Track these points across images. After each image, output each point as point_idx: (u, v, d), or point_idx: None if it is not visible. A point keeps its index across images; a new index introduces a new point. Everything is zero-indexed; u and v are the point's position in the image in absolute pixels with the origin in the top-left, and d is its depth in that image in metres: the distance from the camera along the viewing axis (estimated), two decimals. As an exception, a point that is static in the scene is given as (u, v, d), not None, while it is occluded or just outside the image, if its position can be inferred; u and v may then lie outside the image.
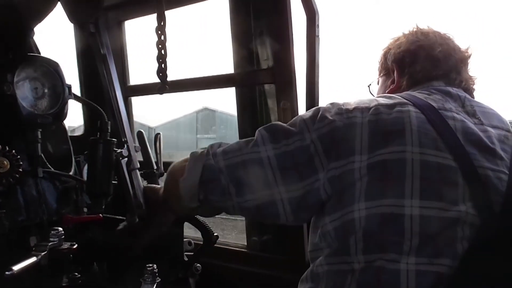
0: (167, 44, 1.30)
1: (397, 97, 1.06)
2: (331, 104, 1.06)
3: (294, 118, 1.08)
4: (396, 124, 0.97)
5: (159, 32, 1.30)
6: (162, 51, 1.31)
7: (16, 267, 1.06)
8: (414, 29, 1.28)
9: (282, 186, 1.00)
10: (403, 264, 0.89)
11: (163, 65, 1.33)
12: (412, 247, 0.90)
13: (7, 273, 1.03)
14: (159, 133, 1.62)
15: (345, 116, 1.00)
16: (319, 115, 1.03)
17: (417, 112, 0.99)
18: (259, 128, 1.07)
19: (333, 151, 0.98)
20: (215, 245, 1.56)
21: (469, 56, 1.24)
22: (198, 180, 1.06)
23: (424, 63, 1.21)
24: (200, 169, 1.06)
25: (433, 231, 0.90)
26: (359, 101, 1.05)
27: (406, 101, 1.03)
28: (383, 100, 1.04)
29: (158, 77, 1.35)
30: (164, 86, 1.36)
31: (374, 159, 0.94)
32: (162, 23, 1.29)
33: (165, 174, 1.62)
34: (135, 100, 2.34)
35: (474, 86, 1.23)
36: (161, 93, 1.39)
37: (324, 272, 0.99)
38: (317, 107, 1.09)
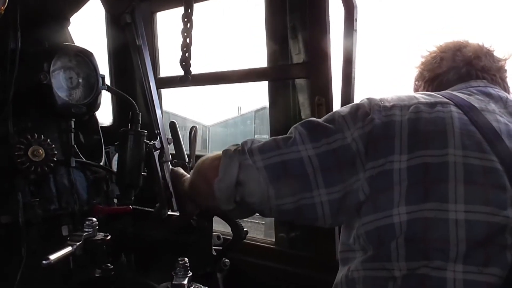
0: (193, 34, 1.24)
1: (438, 96, 1.01)
2: (368, 99, 1.01)
3: (330, 114, 1.03)
4: (437, 124, 0.93)
5: (186, 19, 1.24)
6: (187, 40, 1.25)
7: (52, 256, 1.05)
8: (432, 51, 1.26)
9: (323, 188, 0.95)
10: (449, 272, 0.85)
11: (187, 54, 1.26)
12: (459, 254, 0.85)
13: (44, 262, 1.03)
14: (194, 126, 1.60)
15: (384, 114, 0.96)
16: (358, 112, 0.98)
17: (459, 113, 0.95)
18: (295, 125, 1.01)
19: (371, 150, 0.93)
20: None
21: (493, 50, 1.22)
22: (234, 181, 0.98)
23: (459, 64, 1.19)
24: (236, 169, 0.98)
25: (481, 238, 0.85)
26: (397, 98, 1.00)
27: (447, 100, 0.99)
28: (423, 98, 0.99)
29: (181, 67, 1.28)
30: (186, 76, 1.29)
31: (414, 161, 0.90)
32: (189, 10, 1.23)
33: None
34: (183, 96, 2.33)
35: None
36: (183, 84, 1.34)
37: (360, 277, 0.95)
38: (353, 103, 1.04)
